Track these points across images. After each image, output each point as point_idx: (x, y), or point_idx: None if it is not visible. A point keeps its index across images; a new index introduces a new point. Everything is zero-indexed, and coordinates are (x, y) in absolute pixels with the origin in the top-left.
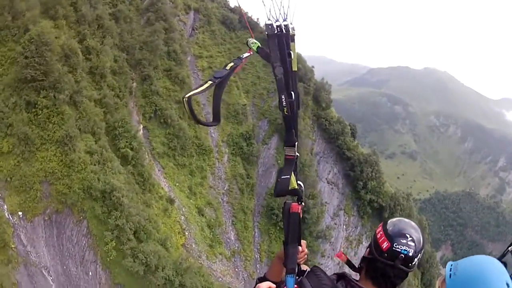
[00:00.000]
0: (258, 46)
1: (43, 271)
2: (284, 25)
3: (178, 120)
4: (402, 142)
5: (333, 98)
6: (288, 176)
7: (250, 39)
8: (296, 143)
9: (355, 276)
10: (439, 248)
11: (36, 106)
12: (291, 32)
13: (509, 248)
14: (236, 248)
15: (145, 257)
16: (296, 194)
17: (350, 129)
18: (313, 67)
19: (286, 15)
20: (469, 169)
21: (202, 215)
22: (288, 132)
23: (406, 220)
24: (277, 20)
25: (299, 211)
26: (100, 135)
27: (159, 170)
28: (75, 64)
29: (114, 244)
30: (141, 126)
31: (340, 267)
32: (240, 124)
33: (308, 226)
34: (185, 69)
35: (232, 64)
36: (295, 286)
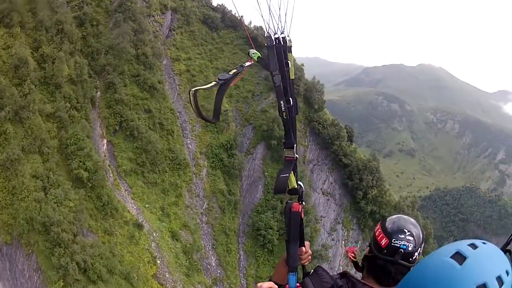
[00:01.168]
0: (259, 56)
1: None
2: (281, 37)
3: (146, 131)
4: (400, 139)
5: (329, 99)
6: (287, 175)
7: (252, 50)
8: (295, 145)
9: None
10: (441, 245)
11: None
12: (288, 43)
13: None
14: (218, 275)
15: None
16: (296, 193)
17: (347, 132)
18: (302, 65)
19: (283, 28)
20: (469, 164)
21: (177, 239)
22: (287, 135)
23: (405, 216)
24: (275, 33)
25: (300, 211)
26: (49, 155)
27: (125, 190)
28: (24, 75)
29: (62, 284)
30: (105, 141)
31: None
32: (221, 133)
33: None
34: (156, 74)
35: (234, 70)
36: (298, 285)
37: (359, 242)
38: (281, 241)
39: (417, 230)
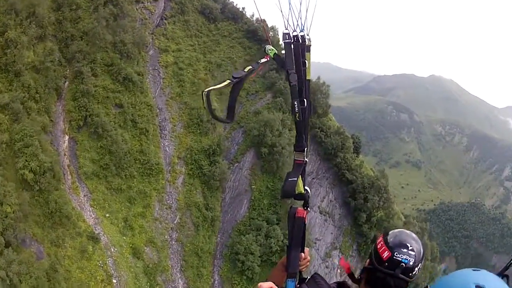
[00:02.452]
0: (275, 52)
1: None
2: (300, 35)
3: (114, 129)
4: (407, 150)
5: (337, 105)
6: (296, 179)
7: (268, 45)
8: (306, 149)
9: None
10: (443, 260)
11: None
12: (307, 42)
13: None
14: None
15: None
16: (302, 198)
17: (353, 143)
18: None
19: (303, 26)
20: (474, 179)
21: (138, 257)
22: (298, 137)
23: (407, 231)
24: (294, 30)
25: (305, 216)
26: None
27: (85, 196)
28: None
29: None
30: (67, 137)
31: None
32: (205, 135)
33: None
34: (136, 65)
35: (250, 67)
36: None
37: (357, 272)
38: (264, 268)
39: (418, 246)
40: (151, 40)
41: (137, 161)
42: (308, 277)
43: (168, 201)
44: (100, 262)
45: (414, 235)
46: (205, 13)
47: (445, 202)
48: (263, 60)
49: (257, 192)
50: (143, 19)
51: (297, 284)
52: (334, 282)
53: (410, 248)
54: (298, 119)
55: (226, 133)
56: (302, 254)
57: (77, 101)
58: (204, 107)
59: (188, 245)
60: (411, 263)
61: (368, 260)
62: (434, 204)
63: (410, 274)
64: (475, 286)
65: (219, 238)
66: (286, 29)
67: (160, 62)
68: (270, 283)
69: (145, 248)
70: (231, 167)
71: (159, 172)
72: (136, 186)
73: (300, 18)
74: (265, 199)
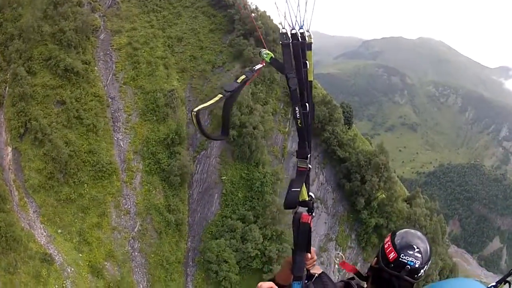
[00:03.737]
0: (271, 56)
1: None
2: (300, 32)
3: (55, 131)
4: (402, 113)
5: (327, 72)
6: (299, 189)
7: (263, 50)
8: (309, 156)
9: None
10: (447, 223)
11: None
12: (307, 40)
13: (508, 278)
14: None
15: None
16: (307, 205)
17: (344, 112)
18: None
19: (303, 22)
20: (472, 140)
21: (98, 276)
22: (301, 144)
23: (412, 231)
24: (293, 28)
25: (310, 221)
26: None
27: (34, 212)
28: None
29: None
30: (10, 149)
31: None
32: (163, 122)
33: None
34: (80, 53)
35: (243, 76)
36: None
37: (359, 264)
38: (244, 276)
39: (425, 246)
40: (102, 23)
41: (86, 164)
42: (316, 275)
43: (125, 206)
44: (57, 286)
45: (420, 233)
46: None
47: (444, 164)
48: (258, 66)
49: (229, 184)
50: (92, 2)
51: (305, 280)
52: (341, 281)
53: (416, 249)
54: (300, 125)
55: (191, 116)
56: (308, 255)
57: (16, 106)
58: (195, 127)
59: (152, 255)
60: (417, 265)
61: (375, 259)
62: (434, 166)
63: (416, 275)
64: None
65: (189, 243)
66: (284, 28)
67: (113, 45)
68: (270, 283)
69: (105, 263)
70: (198, 156)
71: (113, 172)
72: (88, 192)
73: (299, 12)
74: (239, 192)
